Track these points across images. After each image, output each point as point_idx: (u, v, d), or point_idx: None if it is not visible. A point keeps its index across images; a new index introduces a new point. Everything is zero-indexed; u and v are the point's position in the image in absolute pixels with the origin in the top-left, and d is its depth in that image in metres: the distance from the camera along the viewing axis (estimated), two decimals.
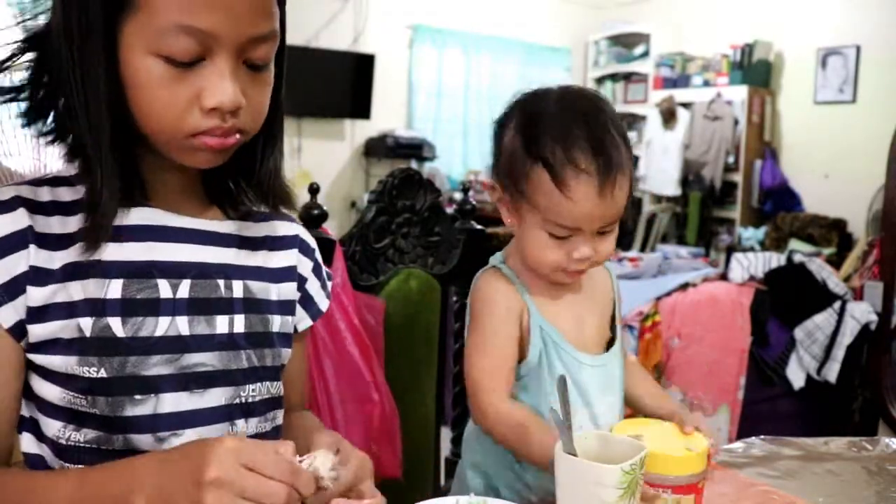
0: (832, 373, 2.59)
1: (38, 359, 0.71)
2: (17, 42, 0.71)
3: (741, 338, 2.67)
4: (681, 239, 5.57)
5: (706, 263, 3.66)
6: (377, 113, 5.54)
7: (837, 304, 2.63)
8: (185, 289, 0.76)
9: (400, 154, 5.44)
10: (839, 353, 2.58)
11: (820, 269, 2.77)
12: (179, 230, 0.78)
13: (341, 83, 5.33)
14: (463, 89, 6.01)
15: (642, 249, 5.05)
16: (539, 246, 0.93)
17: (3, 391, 0.71)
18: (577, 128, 0.89)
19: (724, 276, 2.98)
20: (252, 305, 0.81)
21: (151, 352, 0.73)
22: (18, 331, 0.70)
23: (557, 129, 0.90)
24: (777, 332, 2.70)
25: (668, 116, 5.70)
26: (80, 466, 0.72)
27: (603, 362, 0.98)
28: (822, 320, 2.62)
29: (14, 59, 0.71)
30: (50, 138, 0.72)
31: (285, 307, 0.86)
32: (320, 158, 5.30)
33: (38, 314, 0.70)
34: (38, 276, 0.70)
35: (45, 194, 0.73)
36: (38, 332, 0.70)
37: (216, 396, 0.77)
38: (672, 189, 5.73)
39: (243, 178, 0.82)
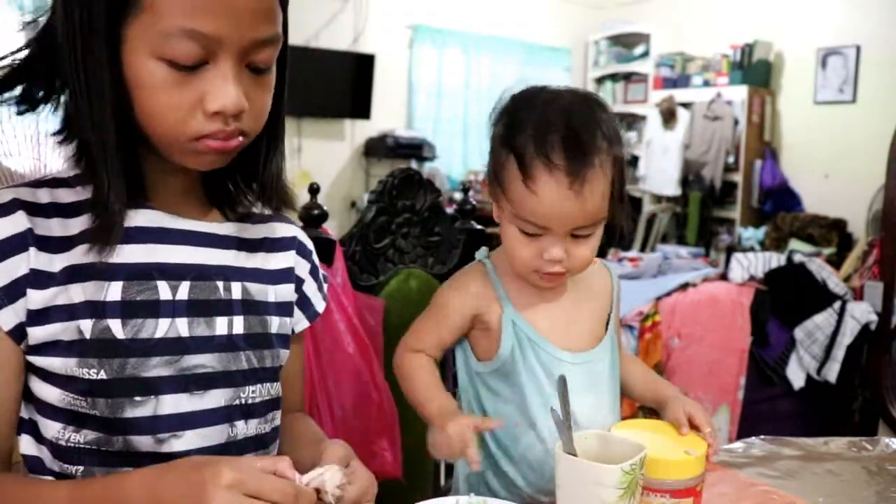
0: (832, 373, 2.58)
1: (38, 361, 0.71)
2: (20, 48, 0.71)
3: (741, 338, 2.67)
4: (681, 239, 5.57)
5: (706, 263, 3.65)
6: (377, 113, 5.54)
7: (837, 304, 2.63)
8: (184, 290, 0.76)
9: (400, 154, 5.44)
10: (839, 353, 2.58)
11: (820, 269, 2.77)
12: (179, 232, 0.78)
13: (341, 83, 5.33)
14: (463, 89, 6.01)
15: (642, 249, 5.05)
16: (511, 241, 0.92)
17: (3, 393, 0.71)
18: (554, 123, 0.87)
19: (724, 276, 2.98)
20: (251, 307, 0.81)
21: (151, 353, 0.73)
22: (18, 333, 0.70)
23: (535, 123, 0.88)
24: (777, 332, 2.70)
25: (668, 116, 5.70)
26: (80, 467, 0.72)
27: (587, 360, 0.97)
28: (822, 320, 2.62)
29: (17, 63, 0.71)
30: (60, 139, 0.72)
31: (283, 309, 0.86)
32: (320, 158, 5.30)
33: (38, 317, 0.70)
34: (38, 278, 0.70)
35: (44, 196, 0.73)
36: (37, 334, 0.70)
37: (216, 398, 0.77)
38: (672, 189, 5.73)
39: (246, 180, 0.82)
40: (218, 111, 0.68)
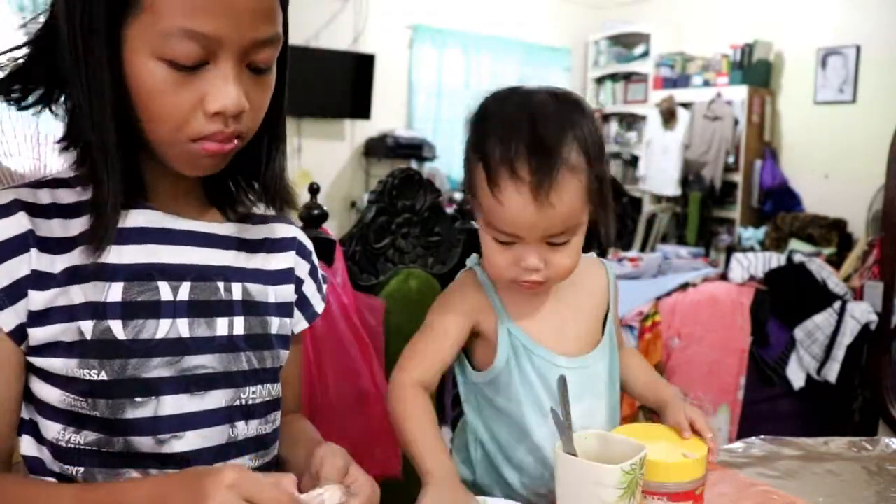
0: (832, 373, 2.58)
1: (39, 361, 0.71)
2: (20, 46, 0.71)
3: (741, 338, 2.67)
4: (681, 239, 5.57)
5: (706, 263, 3.65)
6: (377, 113, 5.54)
7: (837, 304, 2.63)
8: (185, 291, 0.76)
9: (400, 154, 5.44)
10: (839, 353, 2.58)
11: (820, 269, 2.77)
12: (180, 232, 0.78)
13: (341, 83, 5.33)
14: (463, 89, 6.01)
15: (642, 249, 5.04)
16: (487, 250, 0.90)
17: (3, 393, 0.71)
18: (520, 129, 0.84)
19: (724, 276, 2.98)
20: (251, 308, 0.81)
21: (152, 354, 0.73)
22: (19, 334, 0.70)
23: (501, 128, 0.85)
24: (777, 332, 2.70)
25: (668, 116, 5.70)
26: (80, 468, 0.72)
27: (583, 364, 0.95)
28: (822, 320, 2.62)
29: (17, 63, 0.71)
30: (63, 145, 0.72)
31: (283, 309, 0.86)
32: (320, 158, 5.30)
33: (39, 318, 0.70)
34: (39, 279, 0.69)
35: (45, 196, 0.73)
36: (38, 335, 0.70)
37: (216, 398, 0.77)
38: (672, 189, 5.73)
39: (248, 180, 0.82)
40: (218, 112, 0.68)
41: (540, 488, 0.94)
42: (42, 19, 0.72)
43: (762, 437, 1.17)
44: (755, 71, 5.43)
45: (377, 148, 5.54)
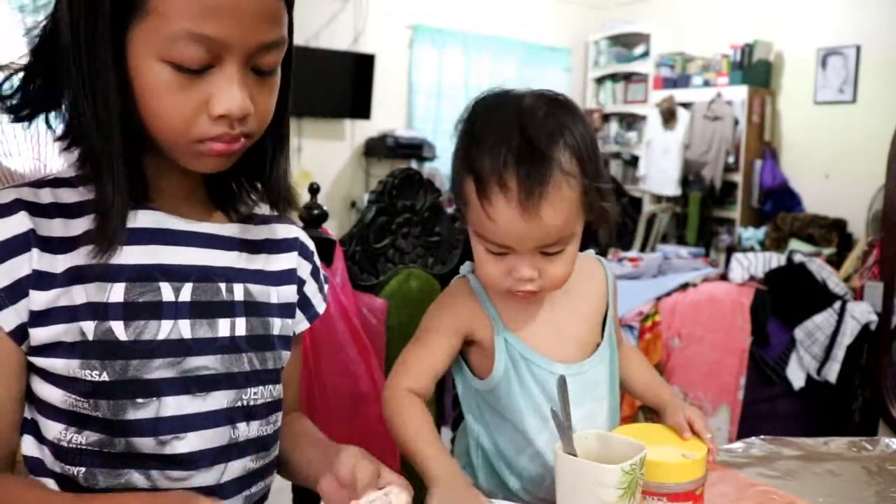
0: (832, 373, 2.58)
1: (40, 362, 0.71)
2: (25, 53, 0.71)
3: (741, 338, 2.67)
4: (681, 239, 5.57)
5: (706, 263, 3.65)
6: (377, 113, 5.54)
7: (837, 304, 2.63)
8: (187, 292, 0.76)
9: (400, 154, 5.45)
10: (839, 353, 2.58)
11: (820, 269, 2.77)
12: (182, 233, 0.78)
13: (341, 83, 5.33)
14: (463, 89, 6.01)
15: (642, 249, 5.04)
16: (479, 260, 0.88)
17: (3, 394, 0.71)
18: (509, 139, 0.81)
19: (724, 276, 2.98)
20: (253, 308, 0.81)
21: (154, 355, 0.73)
22: (20, 334, 0.69)
23: (489, 138, 0.83)
24: (777, 332, 2.70)
25: (668, 116, 5.70)
26: (81, 468, 0.72)
27: (581, 370, 0.93)
28: (822, 320, 2.62)
29: (23, 66, 0.71)
30: (63, 145, 0.72)
31: (285, 310, 0.86)
32: (320, 158, 5.30)
33: (41, 318, 0.69)
34: (40, 279, 0.69)
35: (46, 196, 0.72)
36: (40, 335, 0.70)
37: (218, 400, 0.77)
38: (672, 189, 5.73)
39: (250, 181, 0.82)
40: (223, 115, 0.68)
41: (542, 493, 0.94)
42: (43, 21, 0.71)
43: (762, 437, 1.17)
44: (755, 71, 5.43)
45: (377, 148, 5.54)
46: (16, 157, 1.49)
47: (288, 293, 0.87)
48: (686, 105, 5.69)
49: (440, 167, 5.62)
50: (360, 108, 5.49)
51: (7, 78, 0.71)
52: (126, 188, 0.70)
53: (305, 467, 0.83)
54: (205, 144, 0.70)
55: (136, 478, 0.73)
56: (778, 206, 5.22)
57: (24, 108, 0.72)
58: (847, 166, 4.97)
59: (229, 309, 0.79)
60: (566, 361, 0.93)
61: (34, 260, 0.69)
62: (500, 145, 0.82)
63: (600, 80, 6.75)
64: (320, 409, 1.26)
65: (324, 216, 1.30)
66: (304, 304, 0.90)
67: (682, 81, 5.90)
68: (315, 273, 0.92)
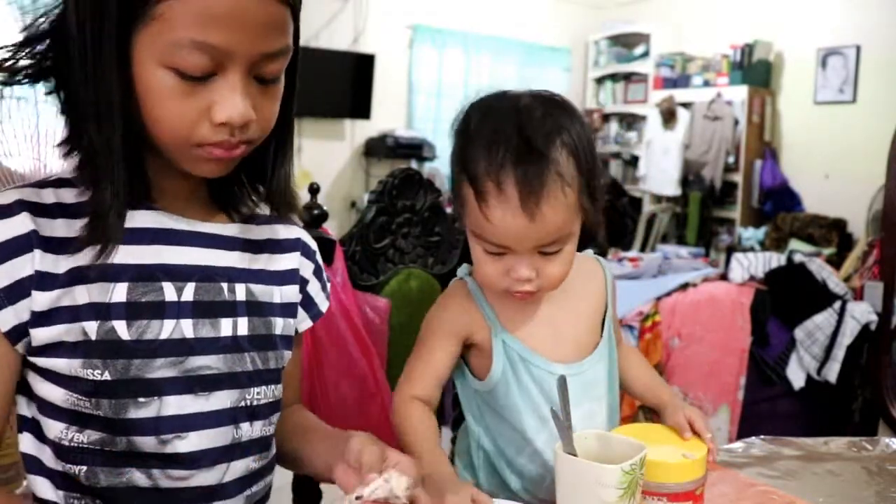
0: (832, 373, 2.58)
1: (42, 362, 0.71)
2: (27, 49, 0.71)
3: (741, 338, 2.67)
4: (681, 239, 5.57)
5: (706, 263, 3.65)
6: (377, 113, 5.54)
7: (837, 304, 2.63)
8: (189, 292, 0.76)
9: (400, 154, 5.45)
10: (839, 353, 2.58)
11: (820, 269, 2.77)
12: (184, 233, 0.78)
13: (341, 83, 5.33)
14: (463, 89, 6.01)
15: (642, 249, 5.05)
16: (477, 260, 0.88)
17: None
18: (506, 140, 0.81)
19: (724, 276, 2.98)
20: (255, 308, 0.81)
21: (156, 354, 0.73)
22: (16, 334, 0.70)
23: (486, 140, 0.83)
24: (777, 332, 2.70)
25: (668, 116, 5.70)
26: (83, 467, 0.72)
27: (580, 370, 0.93)
28: (822, 320, 2.62)
29: (25, 67, 0.71)
30: (66, 150, 0.72)
31: (287, 310, 0.86)
32: (320, 158, 5.30)
33: (43, 318, 0.70)
34: (43, 280, 0.69)
35: (48, 197, 0.73)
36: (42, 335, 0.70)
37: (221, 399, 0.77)
38: (672, 189, 5.73)
39: (252, 183, 0.83)
40: (224, 122, 0.68)
41: (542, 493, 0.94)
42: (45, 20, 0.71)
43: (762, 437, 1.17)
44: (755, 71, 5.43)
45: (377, 148, 5.54)
46: (16, 158, 1.49)
47: (290, 293, 0.87)
48: (686, 105, 5.69)
49: (440, 167, 5.63)
50: (360, 108, 5.49)
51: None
52: (125, 189, 0.70)
53: (317, 460, 0.83)
54: (204, 149, 0.70)
55: (138, 476, 0.73)
56: (778, 206, 5.22)
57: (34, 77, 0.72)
58: (847, 166, 4.97)
59: (231, 309, 0.79)
60: (564, 361, 0.93)
61: (36, 261, 0.69)
62: (498, 146, 0.82)
63: (600, 80, 6.75)
64: (322, 409, 1.26)
65: (324, 216, 1.30)
66: (308, 303, 0.90)
67: (682, 81, 5.90)
68: (318, 272, 0.92)
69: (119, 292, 0.72)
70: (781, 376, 2.66)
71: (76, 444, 0.72)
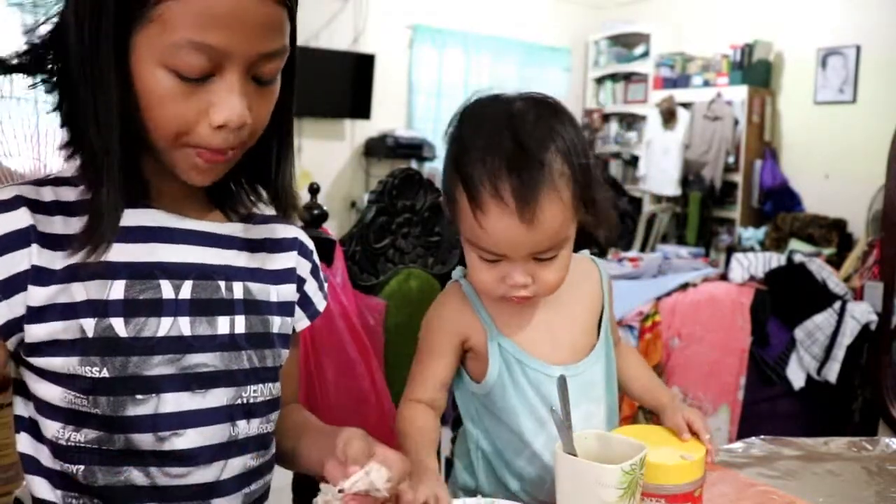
0: (832, 373, 2.58)
1: (38, 361, 0.71)
2: (27, 50, 0.71)
3: (741, 338, 2.67)
4: (681, 239, 5.57)
5: (706, 263, 3.65)
6: (377, 113, 5.54)
7: (837, 305, 2.63)
8: (186, 290, 0.76)
9: (400, 154, 5.45)
10: (839, 353, 2.58)
11: (820, 269, 2.77)
12: (182, 231, 0.78)
13: (341, 83, 5.33)
14: (463, 89, 6.01)
15: (642, 249, 5.05)
16: (472, 267, 0.88)
17: None
18: (502, 147, 0.81)
19: (724, 276, 2.98)
20: (252, 307, 0.82)
21: (154, 352, 0.73)
22: (6, 329, 0.70)
23: (481, 147, 0.82)
24: (777, 332, 2.70)
25: (668, 116, 5.70)
26: (80, 466, 0.72)
27: (577, 371, 0.93)
28: (822, 320, 2.62)
29: (26, 69, 0.71)
30: (67, 153, 0.73)
31: (285, 308, 0.86)
32: (320, 158, 5.30)
33: (39, 314, 0.70)
34: (40, 275, 0.70)
35: (47, 194, 0.73)
36: (37, 332, 0.70)
37: (218, 397, 0.77)
38: (672, 189, 5.73)
39: (251, 183, 0.83)
40: (222, 124, 0.68)
41: (542, 495, 0.94)
42: (46, 20, 0.72)
43: (762, 437, 1.17)
44: (755, 71, 5.43)
45: (377, 148, 5.54)
46: (16, 157, 1.49)
47: (287, 292, 0.87)
48: (686, 105, 5.69)
49: (440, 167, 5.60)
50: (360, 108, 5.49)
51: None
52: (122, 190, 0.70)
53: (312, 457, 0.83)
54: (196, 150, 0.70)
55: (136, 475, 0.73)
56: (778, 206, 5.22)
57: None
58: (847, 166, 4.97)
59: (229, 307, 0.79)
60: (561, 363, 0.93)
61: (34, 255, 0.70)
62: (492, 152, 0.81)
63: (600, 80, 6.75)
64: (321, 409, 1.26)
65: (324, 216, 1.30)
66: (305, 302, 0.91)
67: (682, 81, 5.90)
68: (315, 272, 0.93)
69: (117, 289, 0.72)
70: (781, 376, 2.66)
71: (73, 444, 0.72)
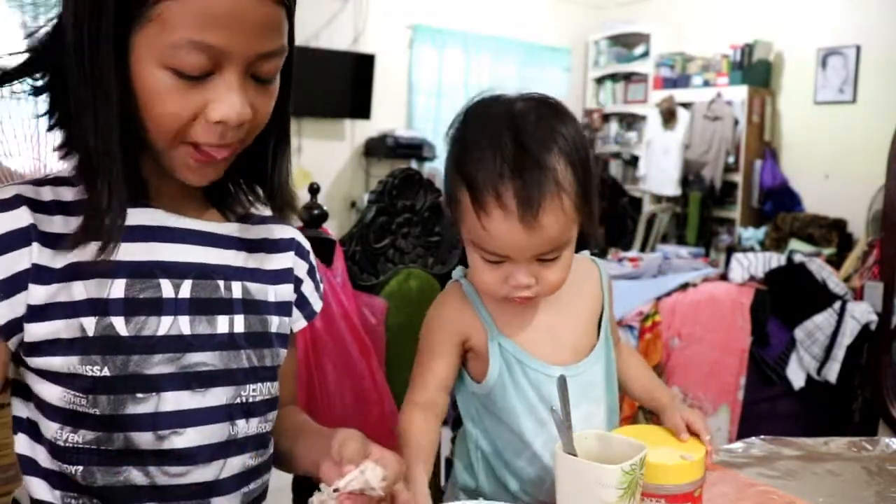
0: (832, 373, 2.58)
1: (37, 361, 0.71)
2: (26, 51, 0.71)
3: (741, 338, 2.67)
4: (681, 239, 5.57)
5: (706, 263, 3.65)
6: (377, 113, 5.54)
7: (837, 305, 2.63)
8: (186, 289, 0.77)
9: (400, 154, 5.45)
10: (839, 353, 2.58)
11: (820, 269, 2.77)
12: (182, 231, 0.78)
13: (341, 83, 5.33)
14: (463, 89, 6.01)
15: (642, 249, 5.05)
16: (475, 268, 0.88)
17: None
18: (505, 149, 0.81)
19: (724, 276, 2.98)
20: (251, 306, 0.82)
21: (154, 350, 0.73)
22: (8, 329, 0.70)
23: (483, 149, 0.82)
24: (777, 332, 2.70)
25: (668, 116, 5.70)
26: (79, 467, 0.72)
27: (577, 372, 0.93)
28: (822, 320, 2.62)
29: (25, 69, 0.71)
30: (62, 153, 0.73)
31: (282, 308, 0.87)
32: (320, 158, 5.30)
33: (39, 313, 0.70)
34: (40, 274, 0.70)
35: (47, 194, 0.73)
36: (38, 331, 0.70)
37: (217, 396, 0.77)
38: (672, 189, 5.73)
39: (249, 182, 0.83)
40: (220, 121, 0.69)
41: (542, 496, 0.94)
42: (45, 21, 0.72)
43: (762, 437, 1.17)
44: (755, 71, 5.43)
45: (377, 148, 5.54)
46: (16, 157, 1.49)
47: (285, 292, 0.87)
48: (686, 105, 5.69)
49: (440, 167, 5.59)
50: (360, 108, 5.49)
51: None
52: (123, 189, 0.70)
53: (308, 458, 0.83)
54: (193, 150, 0.71)
55: (135, 474, 0.73)
56: (778, 206, 5.22)
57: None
58: (847, 166, 4.97)
59: (228, 306, 0.79)
60: (561, 364, 0.93)
61: (34, 254, 0.70)
62: (495, 155, 0.81)
63: (600, 80, 6.75)
64: (321, 410, 1.26)
65: (324, 216, 1.30)
66: (302, 302, 0.91)
67: (682, 81, 5.90)
68: (311, 272, 0.93)
69: (117, 288, 0.73)
70: (781, 376, 2.66)
71: (71, 444, 0.72)
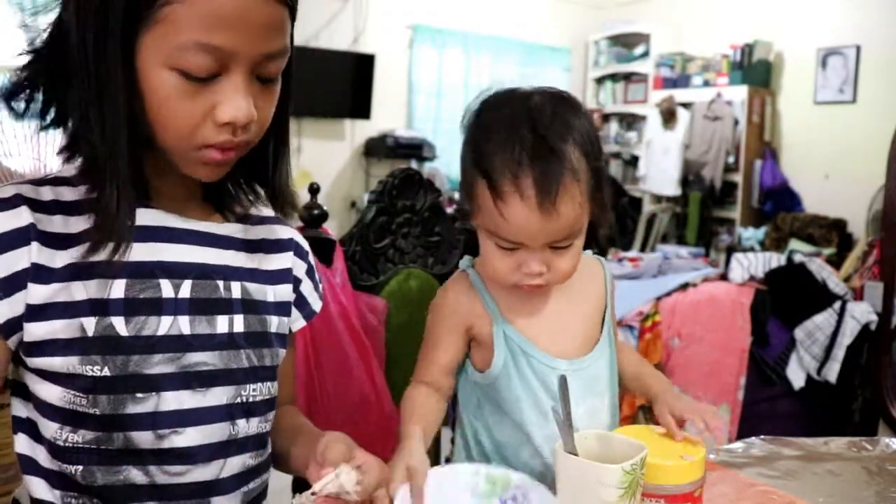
0: (832, 373, 2.58)
1: (37, 361, 0.71)
2: (30, 52, 0.71)
3: (741, 338, 2.67)
4: (681, 239, 5.57)
5: (706, 263, 3.65)
6: (377, 113, 5.54)
7: (837, 305, 2.63)
8: (186, 289, 0.77)
9: (400, 154, 5.45)
10: (839, 353, 2.58)
11: (820, 269, 2.77)
12: (182, 231, 0.78)
13: (341, 83, 5.33)
14: (463, 89, 6.01)
15: (642, 249, 5.05)
16: (488, 255, 0.90)
17: None
18: (521, 139, 0.83)
19: (724, 276, 2.98)
20: (250, 306, 0.82)
21: (154, 350, 0.73)
22: (8, 328, 0.70)
23: (501, 138, 0.85)
24: (777, 332, 2.70)
25: (668, 116, 5.70)
26: (79, 466, 0.72)
27: (582, 366, 0.94)
28: (822, 320, 2.62)
29: (30, 72, 0.71)
30: (66, 155, 0.73)
31: (281, 308, 0.87)
32: (320, 158, 5.30)
33: (39, 312, 0.70)
34: (39, 273, 0.70)
35: (47, 193, 0.73)
36: (37, 331, 0.70)
37: (217, 395, 0.77)
38: (672, 189, 5.73)
39: (249, 183, 0.83)
40: (228, 122, 0.69)
41: None
42: (45, 22, 0.72)
43: (762, 437, 1.17)
44: (755, 71, 5.43)
45: (377, 148, 5.54)
46: (16, 157, 1.49)
47: (284, 292, 0.88)
48: (686, 105, 5.69)
49: (440, 167, 5.62)
50: (360, 108, 5.49)
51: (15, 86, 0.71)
52: (130, 189, 0.70)
53: (299, 459, 0.84)
54: (204, 151, 0.71)
55: (135, 474, 0.73)
56: (778, 206, 5.22)
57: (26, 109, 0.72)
58: (847, 166, 4.97)
59: (227, 306, 0.80)
60: (565, 357, 0.94)
61: (34, 253, 0.70)
62: (513, 144, 0.84)
63: (600, 80, 6.75)
64: (321, 410, 1.26)
65: (324, 216, 1.30)
66: (301, 302, 0.91)
67: (682, 81, 5.90)
68: (310, 272, 0.93)
69: (117, 289, 0.73)
70: (781, 376, 2.66)
71: (71, 444, 0.72)
